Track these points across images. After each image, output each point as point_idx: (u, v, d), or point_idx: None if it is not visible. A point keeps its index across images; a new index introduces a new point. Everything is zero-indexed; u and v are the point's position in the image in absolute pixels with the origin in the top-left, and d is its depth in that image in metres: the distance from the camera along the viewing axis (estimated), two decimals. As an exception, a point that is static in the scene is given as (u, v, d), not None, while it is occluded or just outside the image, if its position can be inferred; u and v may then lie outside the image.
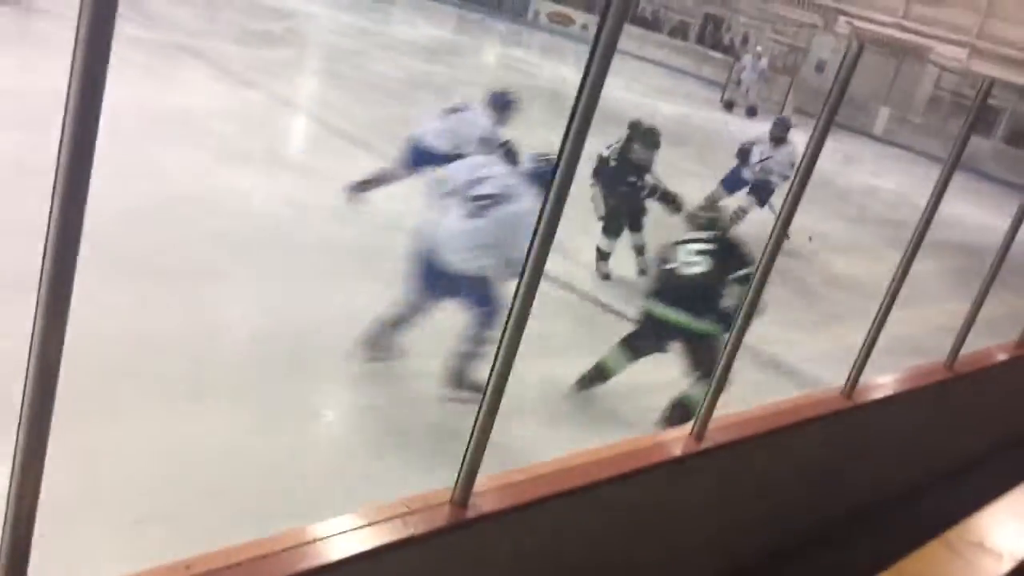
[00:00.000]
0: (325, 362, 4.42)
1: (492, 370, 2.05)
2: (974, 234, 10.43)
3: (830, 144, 2.75)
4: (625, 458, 2.71)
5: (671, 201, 6.59)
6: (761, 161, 9.30)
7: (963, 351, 4.34)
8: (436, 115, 6.68)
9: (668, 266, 4.59)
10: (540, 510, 2.36)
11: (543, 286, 2.03)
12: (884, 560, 2.82)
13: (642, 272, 6.90)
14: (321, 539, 1.90)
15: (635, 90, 14.56)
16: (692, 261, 4.47)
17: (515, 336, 2.01)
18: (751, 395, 5.20)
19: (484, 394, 2.08)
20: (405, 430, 3.93)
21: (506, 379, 2.05)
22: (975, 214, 12.06)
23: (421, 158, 6.43)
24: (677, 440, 2.87)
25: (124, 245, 4.97)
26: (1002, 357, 4.84)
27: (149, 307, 4.43)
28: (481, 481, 2.21)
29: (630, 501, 2.77)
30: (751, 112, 18.45)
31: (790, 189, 2.71)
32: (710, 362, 4.48)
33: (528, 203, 4.18)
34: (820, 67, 21.42)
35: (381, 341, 4.42)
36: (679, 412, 4.20)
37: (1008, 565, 2.79)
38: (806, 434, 3.44)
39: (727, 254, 4.51)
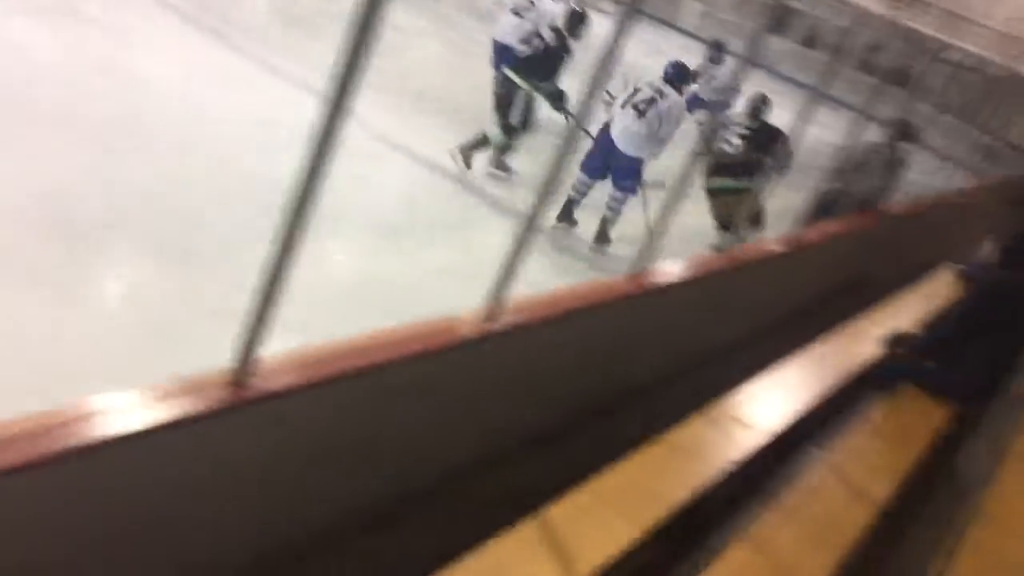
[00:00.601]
0: (81, 232, 4.17)
1: (276, 239, 1.93)
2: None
3: (635, 35, 2.77)
4: (417, 339, 2.72)
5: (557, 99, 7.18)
6: (709, 81, 10.43)
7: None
8: (508, 14, 7.87)
9: (717, 148, 6.41)
10: (324, 391, 2.33)
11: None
12: (655, 432, 3.05)
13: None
14: (84, 418, 1.76)
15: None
16: (734, 143, 6.09)
17: (303, 201, 1.90)
18: (552, 279, 5.42)
19: (268, 264, 1.96)
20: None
21: (291, 250, 1.94)
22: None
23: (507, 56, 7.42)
24: (469, 322, 2.91)
25: None
26: (776, 248, 5.22)
27: None
28: (267, 360, 2.14)
29: (421, 382, 2.80)
30: None
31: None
32: (747, 210, 6.17)
33: (672, 99, 6.11)
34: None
35: (567, 215, 6.20)
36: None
37: (760, 437, 3.10)
38: (595, 317, 3.58)
39: (760, 138, 6.15)
